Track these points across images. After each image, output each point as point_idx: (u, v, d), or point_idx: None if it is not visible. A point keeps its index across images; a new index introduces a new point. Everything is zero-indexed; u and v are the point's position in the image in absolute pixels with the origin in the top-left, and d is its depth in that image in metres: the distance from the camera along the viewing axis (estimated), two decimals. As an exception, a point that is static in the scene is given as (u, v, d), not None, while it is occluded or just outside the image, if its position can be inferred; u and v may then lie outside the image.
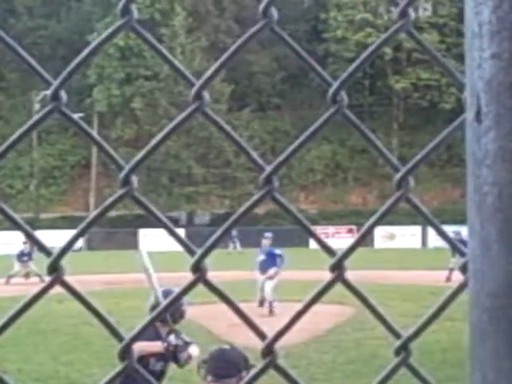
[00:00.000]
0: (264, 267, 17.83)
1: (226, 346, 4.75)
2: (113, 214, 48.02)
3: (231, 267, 25.73)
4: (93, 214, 0.82)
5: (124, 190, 0.80)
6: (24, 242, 28.19)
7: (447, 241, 0.90)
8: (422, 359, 7.90)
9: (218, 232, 0.85)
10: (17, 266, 27.10)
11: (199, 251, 0.84)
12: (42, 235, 39.61)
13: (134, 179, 0.81)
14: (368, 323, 14.29)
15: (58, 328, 15.39)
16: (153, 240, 46.26)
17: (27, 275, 25.45)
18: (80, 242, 46.05)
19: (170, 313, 5.99)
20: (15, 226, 0.79)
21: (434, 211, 46.41)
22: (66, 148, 51.43)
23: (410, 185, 0.88)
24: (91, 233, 43.96)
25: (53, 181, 50.22)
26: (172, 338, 6.10)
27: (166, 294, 5.93)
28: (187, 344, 6.23)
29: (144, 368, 2.53)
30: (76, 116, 0.82)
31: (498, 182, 0.63)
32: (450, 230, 34.41)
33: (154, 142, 0.83)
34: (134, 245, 44.32)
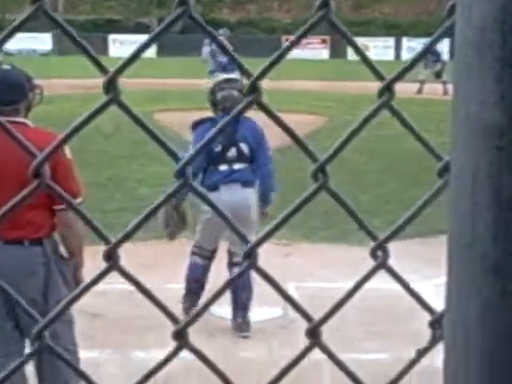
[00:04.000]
0: (228, 68, 19.36)
1: (6, 66, 4.34)
2: (82, 18, 49.92)
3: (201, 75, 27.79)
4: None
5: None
6: None
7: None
8: (400, 164, 12.24)
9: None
10: None
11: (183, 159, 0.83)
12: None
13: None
14: (339, 132, 17.09)
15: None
16: (122, 46, 48.13)
17: None
18: (49, 45, 47.76)
19: None
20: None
21: (409, 23, 49.10)
22: None
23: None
24: (61, 35, 45.64)
25: (19, -20, 51.49)
26: None
27: None
28: None
29: None
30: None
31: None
32: (424, 42, 37.33)
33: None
34: (103, 50, 46.23)
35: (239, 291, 6.07)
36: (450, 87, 25.07)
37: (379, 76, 0.89)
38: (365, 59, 0.89)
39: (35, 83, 4.38)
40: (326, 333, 0.99)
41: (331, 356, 0.89)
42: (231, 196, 5.98)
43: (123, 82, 0.86)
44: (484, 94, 0.64)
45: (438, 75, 25.58)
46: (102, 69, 0.82)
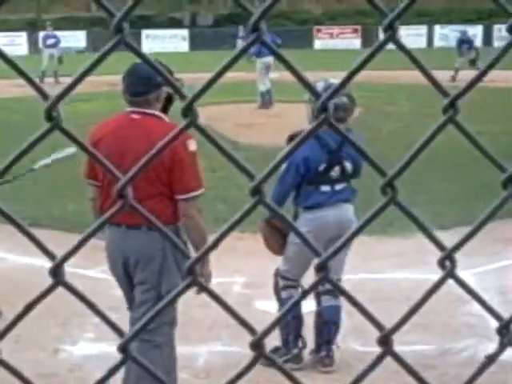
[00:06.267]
0: (264, 53, 18.62)
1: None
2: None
3: (235, 69, 27.70)
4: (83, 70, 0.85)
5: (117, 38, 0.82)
6: (48, 24, 29.33)
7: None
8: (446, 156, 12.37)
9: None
10: (46, 56, 27.63)
11: (258, 177, 0.82)
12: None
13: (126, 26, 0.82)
14: (374, 122, 16.62)
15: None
16: (155, 41, 48.30)
17: (56, 75, 26.76)
18: (83, 43, 48.15)
19: None
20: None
21: (442, 10, 48.56)
22: None
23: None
24: (94, 33, 45.97)
25: (53, -20, 51.96)
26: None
27: None
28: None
29: None
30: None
31: None
32: (456, 29, 37.00)
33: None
34: (137, 46, 46.38)
35: (329, 325, 5.57)
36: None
37: (443, 92, 0.89)
38: (428, 75, 0.89)
39: (176, 77, 4.44)
40: (371, 327, 0.99)
41: (403, 364, 0.89)
42: (335, 212, 5.46)
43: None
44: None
45: (472, 63, 25.35)
46: (181, 95, 0.84)
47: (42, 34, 29.95)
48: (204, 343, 5.85)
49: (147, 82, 4.27)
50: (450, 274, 0.95)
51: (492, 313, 0.95)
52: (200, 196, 4.27)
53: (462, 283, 0.97)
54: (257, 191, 0.83)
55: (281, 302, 5.66)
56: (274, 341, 5.63)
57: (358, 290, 6.73)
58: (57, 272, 0.82)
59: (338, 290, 0.87)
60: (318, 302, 5.69)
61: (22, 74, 0.82)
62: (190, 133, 0.89)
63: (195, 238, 4.28)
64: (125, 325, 5.81)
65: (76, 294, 0.86)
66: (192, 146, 4.22)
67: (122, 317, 6.22)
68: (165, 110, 4.40)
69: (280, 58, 0.86)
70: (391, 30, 0.89)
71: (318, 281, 0.84)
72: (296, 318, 5.59)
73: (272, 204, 0.86)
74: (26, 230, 0.80)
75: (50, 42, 28.21)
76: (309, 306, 5.78)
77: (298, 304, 0.87)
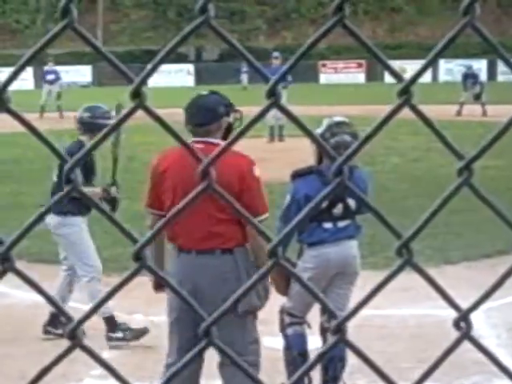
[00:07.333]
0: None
1: (204, 92, 4.85)
2: (120, 49, 50.61)
3: (240, 103, 27.78)
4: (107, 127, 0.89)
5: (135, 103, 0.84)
6: (49, 60, 29.38)
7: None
8: (440, 189, 12.72)
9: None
10: (45, 91, 27.86)
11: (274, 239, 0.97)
12: (51, 71, 42.22)
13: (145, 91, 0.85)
14: (378, 157, 16.88)
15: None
16: (161, 76, 48.60)
17: (60, 110, 26.98)
18: (89, 77, 48.54)
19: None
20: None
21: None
22: (71, -20, 53.06)
23: (476, 11, 0.86)
24: (100, 67, 46.39)
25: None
26: (114, 190, 6.73)
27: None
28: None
29: None
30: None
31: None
32: (461, 63, 37.19)
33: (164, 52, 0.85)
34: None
35: (335, 361, 5.49)
36: (488, 108, 25.02)
37: (458, 155, 0.91)
38: (443, 140, 0.91)
39: (235, 108, 4.77)
40: (379, 364, 1.00)
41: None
42: (337, 249, 5.52)
43: (162, 113, 0.89)
44: None
45: (477, 97, 25.49)
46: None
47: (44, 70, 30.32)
48: (208, 379, 5.84)
49: (209, 113, 4.55)
50: (466, 335, 0.96)
51: (508, 374, 0.96)
52: (265, 220, 4.45)
53: (478, 345, 0.97)
54: (273, 253, 0.87)
55: (286, 338, 5.70)
56: (281, 376, 5.63)
57: (365, 325, 6.74)
58: (74, 334, 0.85)
59: (352, 350, 0.90)
60: (324, 339, 5.70)
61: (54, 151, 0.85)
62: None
63: (262, 259, 4.48)
64: (129, 363, 5.80)
65: (93, 355, 0.89)
66: (257, 171, 4.53)
67: (122, 356, 6.23)
68: (225, 138, 4.63)
69: (295, 122, 0.90)
70: (406, 94, 0.91)
71: (334, 344, 0.86)
72: (302, 354, 5.62)
73: (287, 266, 0.89)
74: (45, 293, 0.83)
75: (50, 77, 28.56)
76: (315, 343, 5.80)
77: (310, 370, 0.89)
